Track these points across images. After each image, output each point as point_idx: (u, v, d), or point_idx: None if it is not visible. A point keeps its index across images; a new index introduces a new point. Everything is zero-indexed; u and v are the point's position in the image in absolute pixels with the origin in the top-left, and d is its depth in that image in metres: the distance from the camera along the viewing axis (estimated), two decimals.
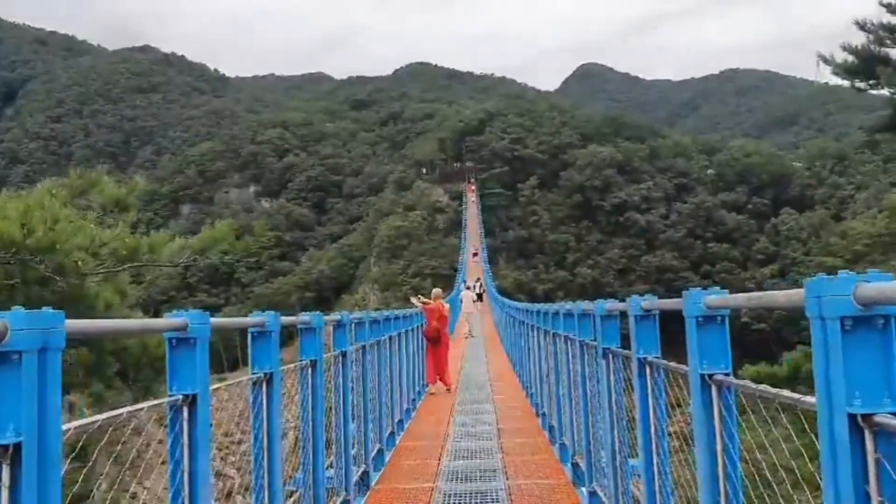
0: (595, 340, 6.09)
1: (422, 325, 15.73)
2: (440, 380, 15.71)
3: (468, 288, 43.76)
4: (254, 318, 4.45)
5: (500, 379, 17.66)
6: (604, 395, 5.70)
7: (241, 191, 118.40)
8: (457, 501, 7.12)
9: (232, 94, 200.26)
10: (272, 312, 4.63)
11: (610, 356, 5.50)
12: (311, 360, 5.76)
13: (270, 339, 4.52)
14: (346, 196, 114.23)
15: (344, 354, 7.08)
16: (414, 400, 13.72)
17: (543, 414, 11.11)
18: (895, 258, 60.23)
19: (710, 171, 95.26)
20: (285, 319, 4.92)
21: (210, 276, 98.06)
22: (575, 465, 7.73)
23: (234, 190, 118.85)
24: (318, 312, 6.11)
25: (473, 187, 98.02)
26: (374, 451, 8.56)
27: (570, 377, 7.89)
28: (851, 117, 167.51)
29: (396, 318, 11.76)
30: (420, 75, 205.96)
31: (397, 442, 10.35)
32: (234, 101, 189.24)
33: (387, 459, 9.13)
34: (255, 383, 4.42)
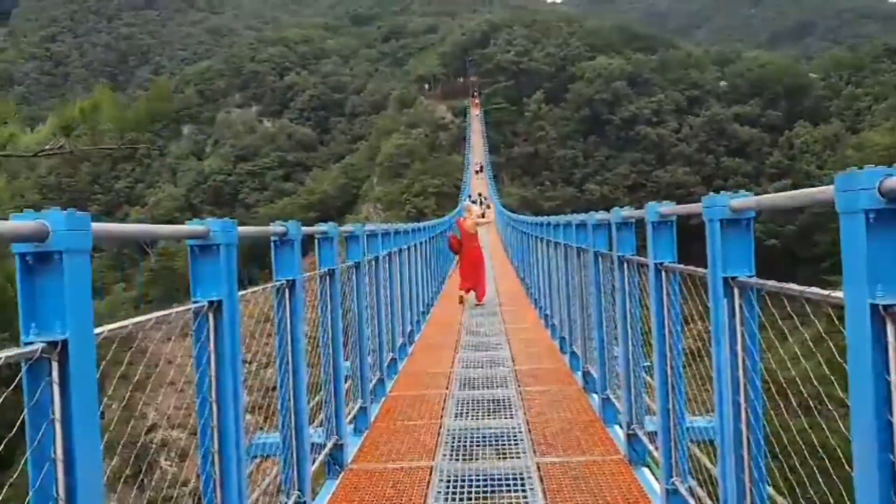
0: (610, 250, 6.14)
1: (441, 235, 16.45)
2: (473, 290, 15.98)
3: (473, 202, 44.29)
4: (276, 227, 4.49)
5: (509, 291, 18.30)
6: (619, 304, 5.76)
7: (243, 111, 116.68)
8: (471, 407, 7.47)
9: (230, 10, 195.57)
10: (294, 221, 4.67)
11: (626, 264, 5.54)
12: (328, 270, 5.82)
13: (293, 247, 4.56)
14: (348, 115, 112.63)
15: (357, 265, 7.16)
16: (424, 312, 14.02)
17: (553, 325, 11.36)
18: None
19: (722, 84, 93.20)
20: (305, 229, 4.96)
21: (214, 197, 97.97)
22: (586, 373, 8.03)
23: (235, 110, 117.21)
24: (333, 223, 6.17)
25: (477, 101, 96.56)
26: (388, 360, 8.76)
27: (583, 288, 7.98)
28: (866, 27, 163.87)
29: (406, 231, 11.88)
30: None
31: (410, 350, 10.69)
32: (233, 17, 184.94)
33: (399, 367, 9.46)
34: (278, 290, 4.47)
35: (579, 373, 8.33)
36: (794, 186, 68.55)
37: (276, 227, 4.51)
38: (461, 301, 15.55)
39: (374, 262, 8.31)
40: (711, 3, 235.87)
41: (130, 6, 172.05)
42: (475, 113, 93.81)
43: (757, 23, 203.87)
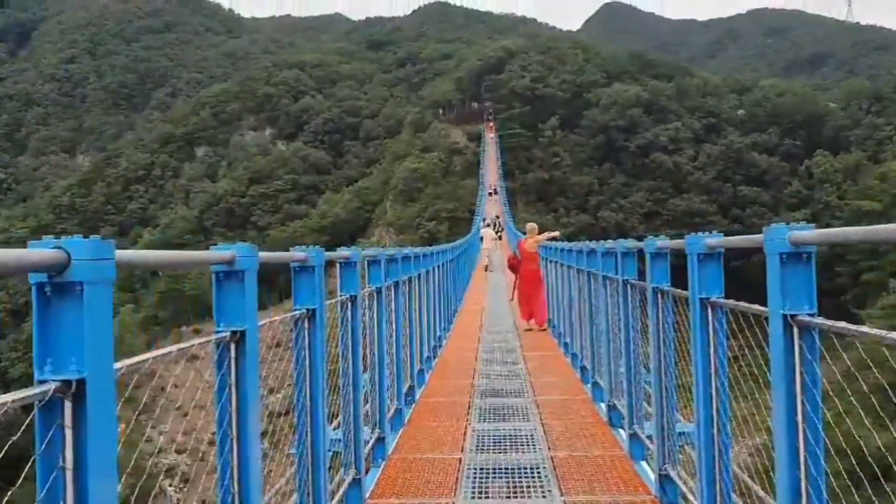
0: (643, 280, 5.88)
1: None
2: (533, 317, 15.62)
3: (487, 225, 44.55)
4: (297, 253, 4.24)
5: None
6: (652, 337, 5.48)
7: (257, 133, 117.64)
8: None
9: (247, 35, 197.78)
10: (316, 247, 4.43)
11: (660, 295, 5.27)
12: (350, 296, 5.58)
13: (314, 273, 4.32)
14: (362, 138, 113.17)
15: (379, 291, 6.92)
16: (440, 337, 13.83)
17: (574, 354, 11.15)
18: None
19: (740, 112, 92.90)
20: (329, 255, 4.73)
21: (226, 219, 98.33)
22: (611, 407, 7.84)
23: (249, 132, 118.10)
24: (356, 248, 5.95)
25: (492, 124, 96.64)
26: (406, 388, 8.53)
27: (609, 318, 7.69)
28: (882, 58, 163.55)
29: (426, 255, 11.71)
30: (438, 15, 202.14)
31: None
32: (250, 41, 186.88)
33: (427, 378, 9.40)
34: (297, 319, 4.22)
35: (603, 405, 8.41)
36: (814, 216, 68.26)
37: (298, 253, 4.26)
38: (528, 330, 15.31)
39: (394, 287, 8.08)
40: (726, 34, 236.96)
41: (149, 29, 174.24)
42: (490, 137, 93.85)
43: (772, 53, 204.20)
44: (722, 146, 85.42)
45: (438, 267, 14.21)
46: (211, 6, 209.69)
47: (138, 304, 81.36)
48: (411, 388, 8.44)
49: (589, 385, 9.12)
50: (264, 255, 3.42)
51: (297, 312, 4.25)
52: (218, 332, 2.96)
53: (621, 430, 6.96)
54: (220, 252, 2.96)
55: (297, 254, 4.28)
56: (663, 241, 5.33)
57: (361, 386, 5.70)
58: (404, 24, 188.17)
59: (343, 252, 5.57)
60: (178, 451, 40.99)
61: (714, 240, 4.04)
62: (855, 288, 54.00)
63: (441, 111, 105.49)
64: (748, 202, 79.45)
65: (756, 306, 3.37)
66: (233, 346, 3.00)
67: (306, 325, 4.31)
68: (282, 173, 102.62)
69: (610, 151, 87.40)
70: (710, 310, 4.08)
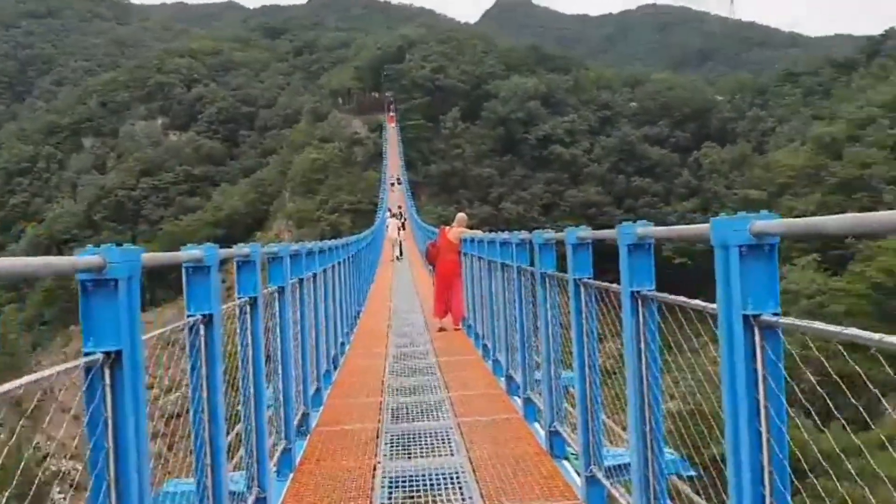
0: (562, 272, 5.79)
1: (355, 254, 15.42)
2: (448, 313, 14.36)
3: (393, 216, 44.58)
4: (190, 252, 3.72)
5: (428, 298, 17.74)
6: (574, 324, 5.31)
7: (148, 123, 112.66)
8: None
9: (137, 21, 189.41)
10: (210, 245, 3.92)
11: (582, 287, 5.06)
12: (250, 298, 5.07)
13: (209, 275, 3.81)
14: (259, 128, 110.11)
15: (282, 290, 6.42)
16: (348, 333, 13.36)
17: (477, 335, 11.07)
18: (818, 190, 62.73)
19: (633, 105, 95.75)
20: (223, 252, 4.22)
21: (116, 213, 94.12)
22: (509, 378, 8.57)
23: (139, 122, 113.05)
24: (256, 244, 5.44)
25: (393, 114, 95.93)
26: (313, 391, 8.03)
27: (522, 305, 7.52)
28: (764, 53, 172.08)
29: (331, 248, 11.20)
30: (335, 4, 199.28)
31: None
32: (140, 29, 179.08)
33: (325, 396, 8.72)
34: (192, 327, 3.72)
35: (502, 378, 8.70)
36: (703, 205, 71.05)
37: (190, 252, 3.75)
38: (441, 330, 14.02)
39: (298, 285, 7.57)
40: (618, 29, 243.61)
41: (31, 14, 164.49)
42: (391, 128, 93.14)
43: (661, 48, 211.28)
44: (616, 138, 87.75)
45: (343, 262, 13.68)
46: None
47: (23, 302, 76.92)
48: (305, 416, 7.29)
49: (519, 400, 7.93)
50: (150, 256, 2.93)
51: (190, 319, 3.75)
52: (87, 353, 2.45)
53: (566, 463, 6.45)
54: (85, 257, 2.42)
55: (189, 253, 3.77)
56: (584, 232, 5.09)
57: (265, 414, 5.19)
58: (300, 13, 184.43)
59: (242, 249, 5.06)
60: (71, 457, 38.86)
61: (644, 229, 3.79)
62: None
63: (340, 100, 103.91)
64: (641, 192, 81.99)
65: (697, 301, 3.13)
66: (107, 371, 2.50)
67: (202, 332, 3.81)
68: (174, 164, 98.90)
69: (510, 143, 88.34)
70: (640, 303, 3.84)
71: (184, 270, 3.83)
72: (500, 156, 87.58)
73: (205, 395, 3.80)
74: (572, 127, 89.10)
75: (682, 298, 3.31)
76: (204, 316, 3.79)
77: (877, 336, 1.89)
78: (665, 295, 3.60)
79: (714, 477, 3.41)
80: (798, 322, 2.34)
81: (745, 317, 2.54)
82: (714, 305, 2.75)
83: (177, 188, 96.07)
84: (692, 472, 4.09)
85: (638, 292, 3.82)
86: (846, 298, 39.59)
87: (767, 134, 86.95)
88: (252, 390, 4.91)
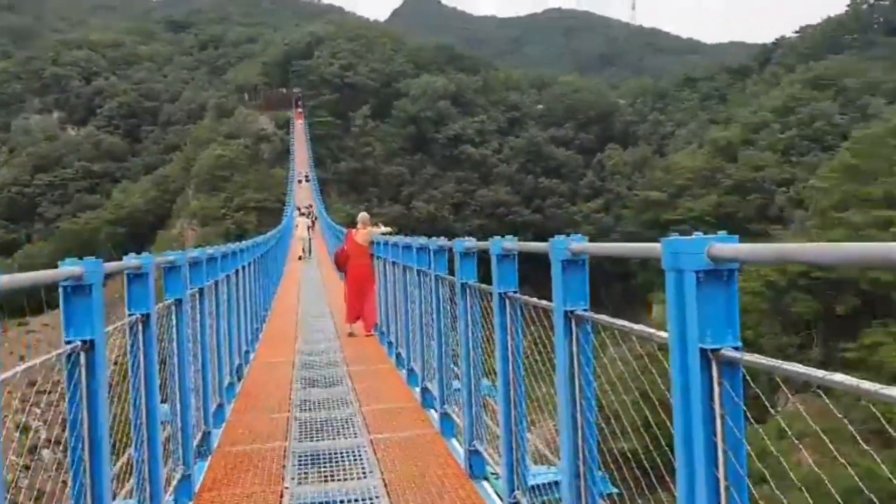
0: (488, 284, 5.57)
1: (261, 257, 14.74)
2: (360, 319, 13.92)
3: (302, 214, 43.91)
4: (67, 269, 3.24)
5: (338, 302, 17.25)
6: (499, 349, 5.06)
7: (44, 117, 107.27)
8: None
9: (31, 10, 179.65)
10: (93, 259, 3.43)
11: (508, 301, 4.80)
12: (142, 315, 4.58)
13: (91, 294, 3.34)
14: (162, 123, 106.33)
15: (179, 303, 5.91)
16: (252, 340, 12.79)
17: (390, 343, 10.78)
18: (714, 192, 65.12)
19: (539, 106, 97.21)
20: (109, 266, 3.74)
21: (9, 211, 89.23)
22: (425, 390, 8.25)
23: (34, 116, 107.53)
24: (147, 254, 4.93)
25: (301, 111, 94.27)
26: (215, 407, 7.51)
27: (440, 315, 7.23)
28: (664, 59, 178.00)
29: (236, 252, 10.62)
30: None
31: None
32: (34, 18, 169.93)
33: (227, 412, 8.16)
34: (70, 355, 3.25)
35: (417, 389, 8.42)
36: (606, 206, 73.13)
37: (68, 269, 3.26)
38: (350, 335, 13.62)
39: (198, 295, 7.05)
40: (525, 32, 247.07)
41: None
42: (299, 124, 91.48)
43: (566, 52, 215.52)
44: (524, 139, 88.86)
45: (248, 265, 13.07)
46: None
47: None
48: (206, 435, 6.79)
49: (435, 414, 7.54)
50: (8, 279, 2.47)
51: (69, 347, 3.27)
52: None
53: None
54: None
55: (66, 269, 3.29)
56: (510, 243, 4.81)
57: (160, 441, 4.70)
58: (206, 7, 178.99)
59: (131, 261, 4.55)
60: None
61: (578, 245, 3.53)
62: (646, 272, 57.48)
63: (247, 96, 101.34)
64: (548, 193, 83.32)
65: (643, 327, 2.89)
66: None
67: (83, 362, 3.34)
68: (72, 160, 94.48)
69: (421, 142, 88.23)
70: (574, 323, 3.59)
71: (61, 290, 3.34)
72: (411, 154, 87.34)
73: (85, 429, 3.34)
74: (482, 127, 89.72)
75: (622, 322, 3.07)
76: (84, 342, 3.32)
77: (872, 387, 1.65)
78: (603, 317, 3.35)
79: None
80: (766, 360, 2.08)
81: (703, 350, 2.28)
82: (663, 334, 2.49)
83: (75, 185, 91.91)
84: (613, 489, 3.99)
85: (572, 312, 3.58)
86: (742, 296, 41.12)
87: (667, 137, 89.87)
88: (144, 417, 4.44)
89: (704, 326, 2.28)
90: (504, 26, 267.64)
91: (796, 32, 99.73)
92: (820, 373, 1.89)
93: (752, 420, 2.23)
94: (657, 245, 2.45)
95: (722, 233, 2.27)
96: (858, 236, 36.01)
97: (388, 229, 14.36)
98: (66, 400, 3.32)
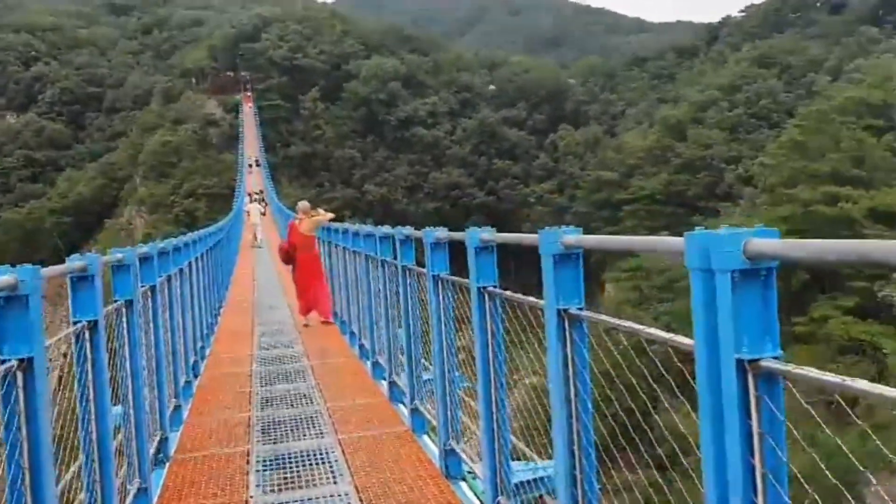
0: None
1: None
2: (312, 310, 13.50)
3: (253, 200, 43.10)
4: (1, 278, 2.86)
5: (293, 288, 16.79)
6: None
7: None
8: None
9: None
10: (29, 266, 3.03)
11: (487, 296, 4.53)
12: (88, 322, 4.19)
13: (27, 306, 2.96)
14: (106, 109, 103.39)
15: (130, 304, 5.51)
16: (208, 335, 12.35)
17: (352, 332, 10.95)
18: (665, 170, 65.70)
19: (491, 87, 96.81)
20: (49, 271, 3.35)
21: None
22: (392, 384, 7.97)
23: None
24: (93, 254, 4.52)
25: (250, 94, 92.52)
26: (171, 410, 7.13)
27: (409, 307, 6.92)
28: (613, 39, 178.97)
29: (188, 244, 10.16)
30: None
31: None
32: None
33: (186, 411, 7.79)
34: (3, 377, 2.87)
35: (384, 382, 8.25)
36: (560, 187, 73.39)
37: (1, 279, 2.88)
38: (306, 326, 13.24)
39: (150, 294, 6.63)
40: (475, 11, 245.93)
41: None
42: (248, 108, 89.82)
43: (516, 32, 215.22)
44: (476, 121, 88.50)
45: (201, 256, 12.58)
46: None
47: None
48: (163, 441, 6.49)
49: (405, 410, 7.24)
50: None
51: (2, 367, 2.89)
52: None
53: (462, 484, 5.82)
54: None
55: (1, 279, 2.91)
56: (488, 234, 4.50)
57: (112, 453, 4.32)
58: None
59: (74, 263, 4.14)
60: None
61: (573, 238, 3.25)
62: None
63: (194, 81, 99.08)
64: (502, 175, 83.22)
65: (653, 331, 2.64)
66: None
67: (20, 383, 2.96)
68: (12, 149, 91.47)
69: (372, 124, 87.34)
70: (567, 322, 3.32)
71: None
72: (362, 137, 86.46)
73: (25, 456, 2.97)
74: (434, 109, 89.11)
75: (628, 323, 2.84)
76: (21, 360, 2.95)
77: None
78: (603, 317, 3.14)
79: None
80: (812, 373, 1.82)
81: (739, 360, 2.00)
82: (689, 341, 2.19)
83: (17, 174, 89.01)
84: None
85: (566, 310, 3.31)
86: None
87: (618, 117, 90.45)
88: (94, 433, 4.07)
89: (741, 334, 2.00)
90: (453, 6, 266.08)
91: (742, 11, 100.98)
92: (880, 388, 1.65)
93: (799, 439, 1.99)
94: (678, 240, 2.13)
95: (759, 225, 1.96)
96: (807, 212, 36.66)
97: (332, 215, 14.02)
98: (3, 425, 2.95)
